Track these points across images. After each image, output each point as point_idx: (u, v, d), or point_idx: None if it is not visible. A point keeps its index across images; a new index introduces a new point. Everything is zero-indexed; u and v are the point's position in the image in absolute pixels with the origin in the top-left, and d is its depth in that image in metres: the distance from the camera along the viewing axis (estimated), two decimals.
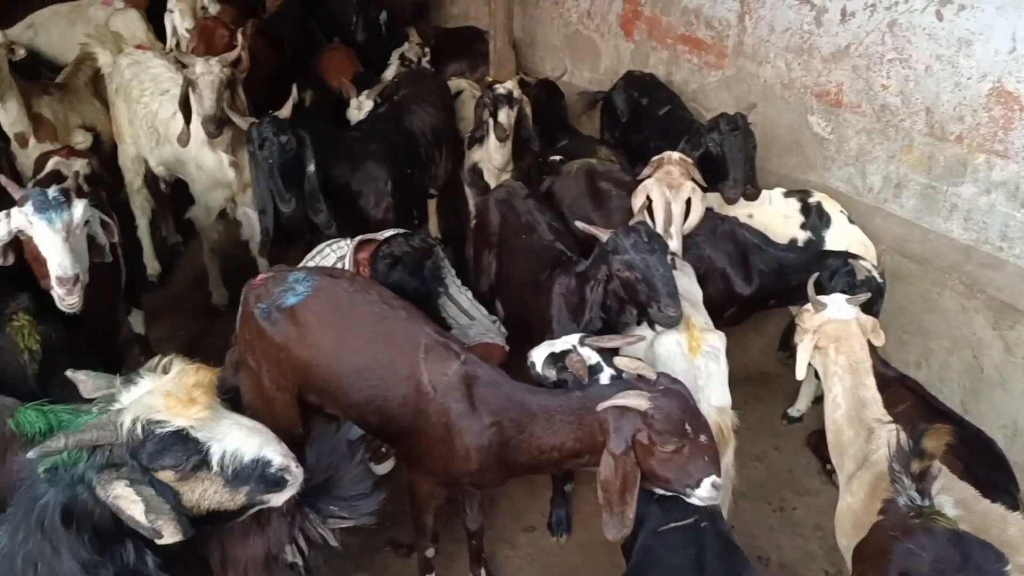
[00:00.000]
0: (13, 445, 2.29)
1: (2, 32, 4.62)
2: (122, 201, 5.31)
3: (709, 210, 3.93)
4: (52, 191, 2.82)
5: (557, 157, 4.52)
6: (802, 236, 4.11)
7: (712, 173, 4.10)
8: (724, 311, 3.91)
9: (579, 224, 3.35)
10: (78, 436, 1.87)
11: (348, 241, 3.69)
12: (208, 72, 4.35)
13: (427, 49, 6.61)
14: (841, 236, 4.05)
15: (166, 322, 5.11)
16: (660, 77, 5.54)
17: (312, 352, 2.81)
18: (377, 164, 4.54)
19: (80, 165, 3.92)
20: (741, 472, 3.45)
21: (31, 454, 1.89)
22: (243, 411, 2.89)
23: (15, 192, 2.89)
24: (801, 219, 4.12)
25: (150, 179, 5.37)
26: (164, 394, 1.92)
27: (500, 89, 4.60)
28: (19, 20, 6.20)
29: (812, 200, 4.14)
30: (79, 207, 2.84)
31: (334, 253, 3.68)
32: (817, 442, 4.07)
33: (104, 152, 4.76)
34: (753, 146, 4.15)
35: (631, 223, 3.23)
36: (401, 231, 3.56)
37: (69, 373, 2.13)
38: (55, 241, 2.77)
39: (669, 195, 3.69)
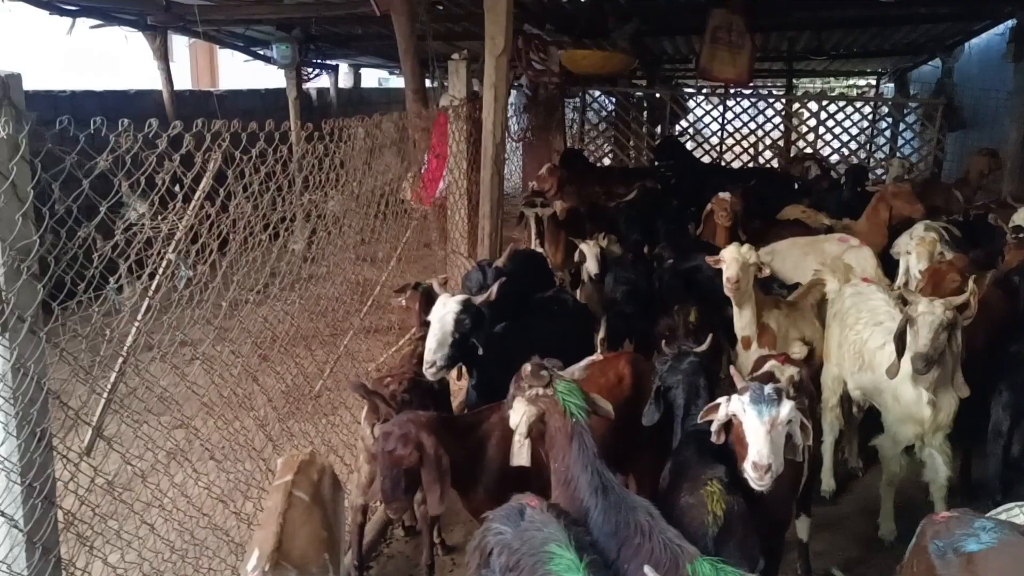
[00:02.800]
0: None
1: (757, 253, 5.48)
2: (816, 414, 5.70)
3: None
4: (768, 388, 3.25)
5: None
6: None
7: None
8: None
9: None
10: None
11: None
12: (930, 312, 4.47)
13: None
14: None
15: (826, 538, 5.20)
16: None
17: None
18: None
19: (792, 372, 4.33)
20: None
21: None
22: None
23: (739, 382, 3.41)
24: None
25: (845, 400, 5.64)
26: None
27: None
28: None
29: None
30: (786, 407, 3.21)
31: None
32: None
33: (813, 366, 5.17)
34: None
35: None
36: None
37: None
38: (760, 431, 3.17)
39: None
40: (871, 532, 5.21)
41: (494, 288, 4.73)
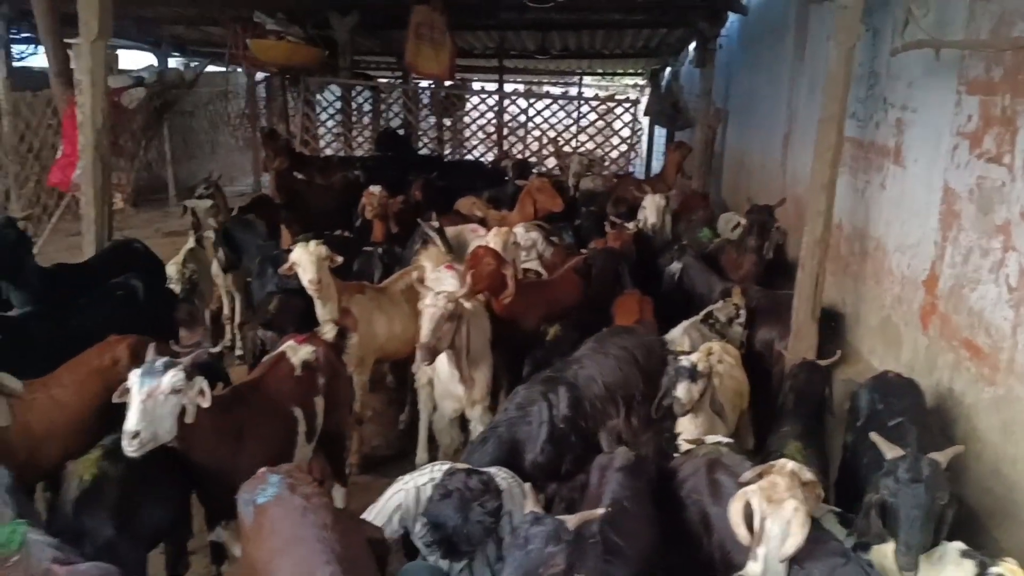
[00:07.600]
0: None
1: (325, 247, 5.50)
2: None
3: (834, 540, 3.23)
4: (159, 361, 3.46)
5: (717, 438, 4.05)
6: None
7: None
8: None
9: None
10: None
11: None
12: (433, 305, 4.77)
13: (743, 311, 6.43)
14: None
15: None
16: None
17: (257, 553, 2.97)
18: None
19: (306, 352, 4.58)
20: None
21: None
22: None
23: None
24: None
25: None
26: None
27: (683, 361, 4.33)
28: None
29: (994, 570, 3.09)
30: (168, 377, 3.40)
31: (429, 473, 3.77)
32: None
33: (344, 345, 5.31)
34: (943, 502, 3.16)
35: None
36: (470, 468, 3.56)
37: None
38: (135, 401, 3.37)
39: (766, 510, 3.14)
40: None
41: None
